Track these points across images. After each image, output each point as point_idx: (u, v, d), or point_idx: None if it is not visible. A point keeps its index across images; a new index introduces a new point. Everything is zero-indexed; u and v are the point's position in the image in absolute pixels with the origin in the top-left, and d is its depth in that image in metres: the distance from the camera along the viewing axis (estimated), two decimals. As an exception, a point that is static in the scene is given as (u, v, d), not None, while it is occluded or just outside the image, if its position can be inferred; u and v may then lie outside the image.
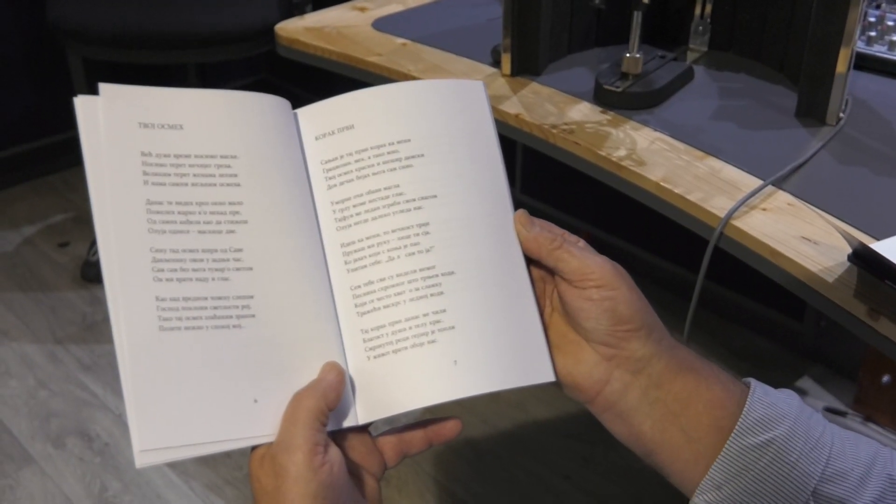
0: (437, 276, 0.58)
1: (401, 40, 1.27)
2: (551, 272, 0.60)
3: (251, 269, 0.56)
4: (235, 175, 0.58)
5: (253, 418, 0.53)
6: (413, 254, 0.58)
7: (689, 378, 0.56)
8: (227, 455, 1.70)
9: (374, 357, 0.57)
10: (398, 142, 0.60)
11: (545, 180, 2.23)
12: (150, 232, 0.54)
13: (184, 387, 0.52)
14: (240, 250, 0.56)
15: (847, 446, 0.56)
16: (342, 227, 0.59)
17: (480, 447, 1.71)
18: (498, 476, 1.66)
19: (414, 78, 1.16)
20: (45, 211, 2.49)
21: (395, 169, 0.60)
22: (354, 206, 0.59)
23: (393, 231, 0.58)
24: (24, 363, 1.94)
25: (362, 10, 1.39)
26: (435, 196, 0.59)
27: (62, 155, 2.66)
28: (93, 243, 2.22)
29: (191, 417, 0.52)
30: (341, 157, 0.60)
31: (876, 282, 0.74)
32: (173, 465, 1.68)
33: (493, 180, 0.61)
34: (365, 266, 0.58)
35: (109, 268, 0.54)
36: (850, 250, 0.77)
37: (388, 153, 0.60)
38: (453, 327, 0.57)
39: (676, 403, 0.56)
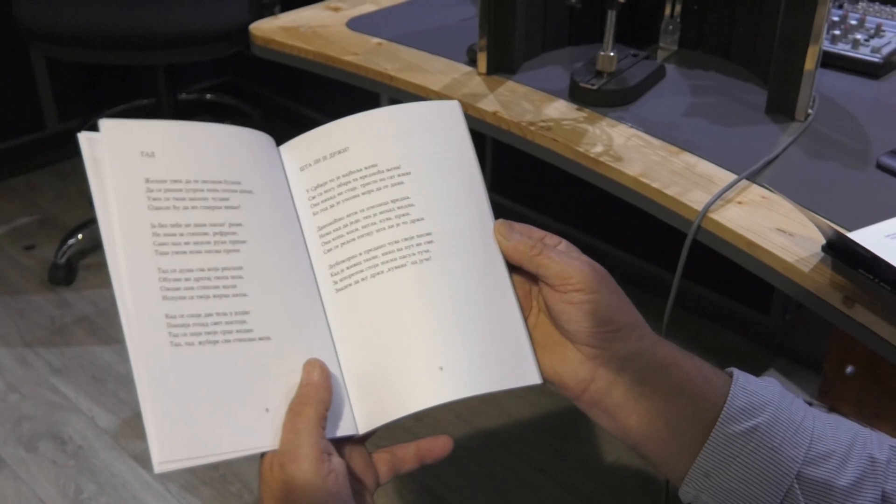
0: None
1: (376, 40, 1.28)
2: (534, 276, 0.61)
3: (249, 286, 0.59)
4: (228, 199, 0.60)
5: (265, 427, 0.55)
6: (396, 268, 0.60)
7: (673, 373, 0.58)
8: (203, 455, 1.70)
9: (368, 364, 0.60)
10: (382, 163, 0.63)
11: (516, 179, 2.25)
12: (158, 254, 0.57)
13: (198, 401, 0.54)
14: (240, 268, 0.59)
15: (828, 429, 0.59)
16: (327, 251, 0.62)
17: (455, 442, 1.72)
18: (473, 470, 1.68)
19: (391, 77, 1.18)
20: (9, 214, 2.46)
21: (381, 189, 0.62)
22: (336, 229, 0.62)
23: (377, 248, 0.61)
24: (-7, 367, 1.92)
25: (336, 9, 1.40)
26: (419, 214, 0.61)
27: (26, 157, 2.63)
28: (60, 246, 2.20)
29: (207, 430, 0.54)
30: (324, 184, 0.63)
31: (850, 271, 0.76)
32: (149, 467, 1.67)
33: (473, 193, 0.64)
34: (349, 285, 0.61)
35: (120, 290, 0.56)
36: (823, 241, 0.80)
37: (372, 175, 0.63)
38: (438, 335, 0.59)
39: (661, 399, 0.58)
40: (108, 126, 0.60)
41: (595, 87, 1.08)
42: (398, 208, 0.61)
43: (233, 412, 0.55)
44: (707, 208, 0.87)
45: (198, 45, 1.98)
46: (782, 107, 1.05)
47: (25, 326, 2.04)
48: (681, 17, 1.23)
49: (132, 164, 0.59)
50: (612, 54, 1.09)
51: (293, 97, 2.80)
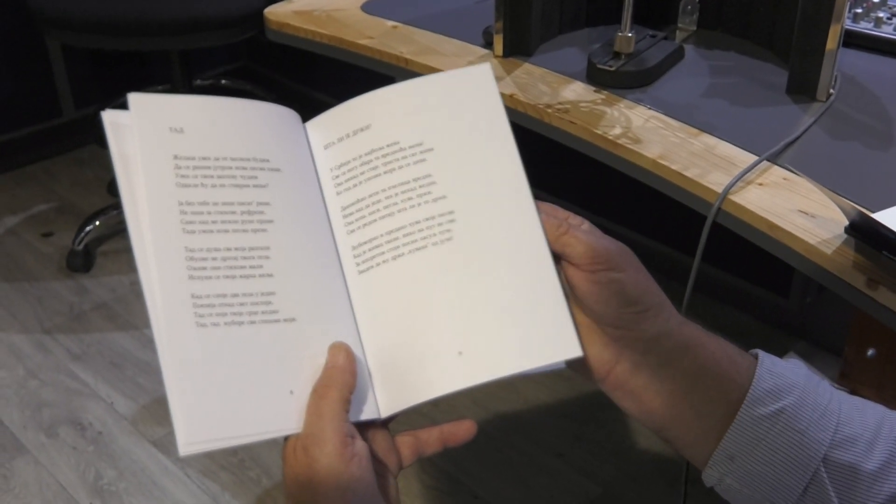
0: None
1: (391, 23, 1.27)
2: (558, 257, 0.60)
3: (275, 267, 0.58)
4: (256, 177, 0.60)
5: (290, 410, 0.55)
6: (416, 249, 0.59)
7: (698, 354, 0.57)
8: (221, 441, 1.71)
9: (390, 348, 0.59)
10: (404, 140, 0.61)
11: (533, 163, 2.24)
12: (184, 232, 0.56)
13: (223, 382, 0.54)
14: (267, 248, 0.58)
15: (854, 412, 0.58)
16: (350, 232, 0.61)
17: (473, 428, 1.73)
18: (491, 456, 1.68)
19: (406, 60, 1.17)
20: (27, 201, 2.47)
21: (402, 167, 0.61)
22: (359, 209, 0.61)
23: (398, 229, 0.59)
24: (13, 354, 1.93)
25: (351, -7, 1.39)
26: (441, 192, 0.60)
27: (43, 144, 2.64)
28: (77, 233, 2.21)
29: (231, 411, 0.53)
30: (347, 163, 0.62)
31: (874, 252, 0.75)
32: (168, 452, 1.68)
33: (505, 164, 0.62)
34: (371, 267, 0.60)
35: (146, 268, 0.55)
36: (846, 222, 0.79)
37: (394, 153, 0.61)
38: (458, 318, 0.58)
39: (686, 380, 0.57)
40: (137, 100, 0.59)
41: (613, 69, 1.07)
42: (420, 187, 0.60)
43: (258, 394, 0.54)
44: (727, 190, 0.86)
45: (212, 31, 1.97)
46: (803, 87, 1.03)
47: (44, 313, 2.05)
48: (699, -3, 1.22)
49: (161, 140, 0.58)
50: (629, 35, 1.08)
51: (308, 82, 2.79)
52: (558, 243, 0.58)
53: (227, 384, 0.54)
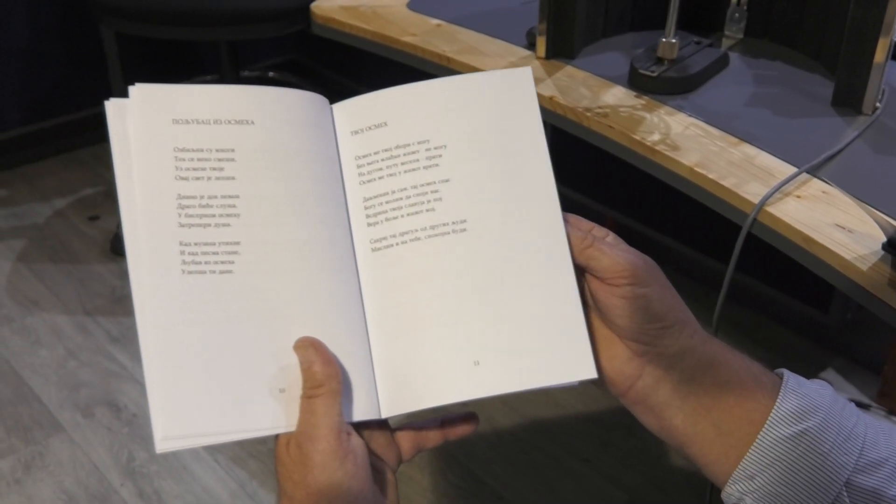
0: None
1: (435, 21, 1.27)
2: (582, 269, 0.59)
3: (279, 260, 0.57)
4: (250, 168, 0.58)
5: (280, 408, 0.54)
6: (440, 252, 0.58)
7: (721, 372, 0.57)
8: (252, 429, 1.73)
9: (400, 348, 0.58)
10: (430, 140, 0.60)
11: (571, 165, 2.23)
12: (181, 226, 0.55)
13: (211, 376, 0.53)
14: (265, 243, 0.57)
15: (881, 436, 0.56)
16: (372, 224, 0.60)
17: (501, 428, 1.73)
18: (517, 458, 1.67)
19: (448, 59, 1.17)
20: (74, 184, 2.51)
21: (426, 167, 0.60)
22: (382, 203, 0.60)
23: (426, 228, 0.59)
24: (54, 333, 1.97)
25: (397, -10, 1.40)
26: (457, 197, 0.59)
27: (92, 129, 2.69)
28: (122, 217, 2.24)
29: (216, 407, 0.52)
30: (375, 153, 0.61)
31: (910, 271, 0.74)
32: (199, 437, 1.70)
33: (535, 172, 0.60)
34: (387, 265, 0.59)
35: (136, 260, 0.55)
36: (884, 239, 0.77)
37: (420, 151, 0.60)
38: (474, 326, 0.57)
39: (708, 398, 0.57)
40: (139, 90, 0.58)
41: (654, 74, 1.06)
42: (431, 192, 0.59)
43: (246, 391, 0.53)
44: (764, 201, 0.85)
45: (261, 23, 1.99)
46: (849, 100, 1.02)
47: (86, 295, 2.09)
48: (748, 5, 1.20)
49: (162, 131, 0.57)
50: (673, 41, 1.07)
51: (355, 77, 2.81)
52: (582, 256, 0.58)
53: (214, 379, 0.53)
